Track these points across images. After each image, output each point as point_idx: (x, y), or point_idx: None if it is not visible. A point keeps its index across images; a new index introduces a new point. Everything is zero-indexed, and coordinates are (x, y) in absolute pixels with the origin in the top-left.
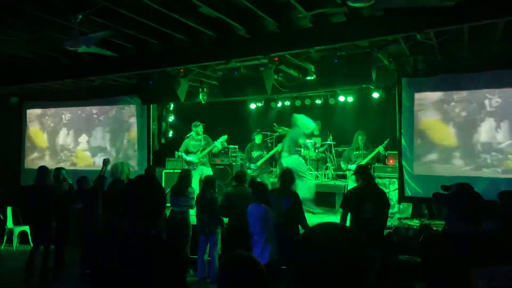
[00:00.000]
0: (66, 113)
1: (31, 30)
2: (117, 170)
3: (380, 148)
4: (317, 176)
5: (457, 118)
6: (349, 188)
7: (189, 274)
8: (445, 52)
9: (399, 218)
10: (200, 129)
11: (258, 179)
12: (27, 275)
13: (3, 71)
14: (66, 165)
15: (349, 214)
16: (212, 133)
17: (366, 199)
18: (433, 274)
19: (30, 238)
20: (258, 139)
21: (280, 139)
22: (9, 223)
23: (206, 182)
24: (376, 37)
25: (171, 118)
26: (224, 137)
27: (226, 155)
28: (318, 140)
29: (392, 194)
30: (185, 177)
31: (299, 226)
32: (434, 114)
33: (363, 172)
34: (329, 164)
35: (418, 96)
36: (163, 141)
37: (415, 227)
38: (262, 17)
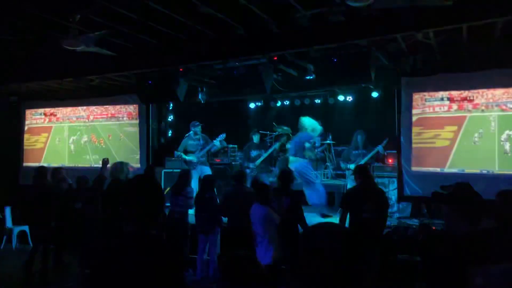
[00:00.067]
0: (65, 113)
1: (30, 29)
2: (116, 170)
3: (379, 148)
4: (316, 176)
5: (457, 117)
6: (348, 187)
7: (189, 273)
8: (444, 51)
9: (399, 218)
10: (198, 128)
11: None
12: (26, 275)
13: (2, 70)
14: (65, 165)
15: (348, 214)
16: (211, 132)
17: (365, 198)
18: (432, 273)
19: (29, 238)
20: (256, 138)
21: (279, 138)
22: (8, 223)
23: (205, 182)
24: (375, 37)
25: (170, 118)
26: (223, 135)
27: (226, 154)
28: (317, 140)
29: (392, 193)
30: (184, 176)
31: (299, 225)
32: (433, 113)
33: (362, 172)
34: (328, 164)
35: (417, 95)
36: (162, 140)
37: (414, 226)
38: (261, 17)
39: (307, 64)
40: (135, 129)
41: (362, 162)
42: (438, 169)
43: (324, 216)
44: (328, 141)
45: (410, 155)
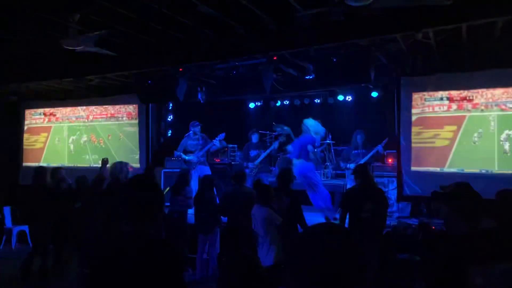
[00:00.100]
0: (65, 113)
1: (29, 29)
2: (116, 170)
3: (379, 147)
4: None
5: (456, 117)
6: (348, 187)
7: (188, 273)
8: (444, 51)
9: (398, 217)
10: (198, 128)
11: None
12: (26, 275)
13: (1, 70)
14: (65, 165)
15: (348, 214)
16: (211, 132)
17: (365, 198)
18: (432, 272)
19: (29, 238)
20: (254, 138)
21: (278, 138)
22: (8, 223)
23: (204, 182)
24: (375, 36)
25: (170, 118)
26: (222, 135)
27: (225, 154)
28: (316, 139)
29: (391, 193)
30: (183, 176)
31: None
32: (433, 113)
33: (362, 171)
34: (328, 164)
35: (416, 95)
36: (162, 140)
37: (414, 226)
38: (260, 16)
39: (306, 64)
40: (135, 129)
41: (362, 162)
42: (437, 169)
43: (328, 220)
44: (327, 141)
45: (410, 154)
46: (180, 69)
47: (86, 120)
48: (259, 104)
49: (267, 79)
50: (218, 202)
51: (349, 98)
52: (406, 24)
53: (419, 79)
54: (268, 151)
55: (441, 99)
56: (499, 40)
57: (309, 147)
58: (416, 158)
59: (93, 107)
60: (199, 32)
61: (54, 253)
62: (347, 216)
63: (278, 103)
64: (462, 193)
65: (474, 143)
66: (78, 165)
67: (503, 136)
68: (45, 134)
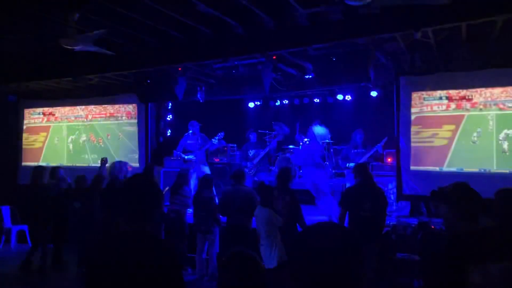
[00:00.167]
0: (64, 112)
1: (27, 28)
2: (115, 169)
3: (378, 147)
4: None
5: (455, 116)
6: (347, 186)
7: (188, 272)
8: (443, 50)
9: (398, 217)
10: (197, 128)
11: (255, 178)
12: (23, 274)
13: (0, 69)
14: (64, 164)
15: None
16: (210, 131)
17: (364, 197)
18: (430, 271)
19: (28, 237)
20: (253, 137)
21: (276, 137)
22: (7, 223)
23: (203, 181)
24: (374, 35)
25: (169, 117)
26: (221, 134)
27: (225, 153)
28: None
29: (391, 192)
30: (181, 176)
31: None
32: (431, 112)
33: (361, 171)
34: (327, 163)
35: (416, 94)
36: (161, 140)
37: (413, 225)
38: (259, 15)
39: (306, 63)
40: (134, 129)
41: (361, 161)
42: (436, 168)
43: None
44: (327, 140)
45: (409, 154)
46: (179, 69)
47: (85, 120)
48: (258, 103)
49: (266, 78)
50: (217, 201)
51: (348, 97)
52: (405, 23)
53: (418, 78)
54: (266, 150)
55: (440, 98)
56: (498, 40)
57: (316, 158)
58: (415, 157)
59: (92, 106)
60: (198, 31)
61: (54, 253)
62: (347, 215)
63: (278, 103)
64: (461, 193)
65: (473, 142)
66: (77, 164)
67: (501, 135)
68: (44, 134)
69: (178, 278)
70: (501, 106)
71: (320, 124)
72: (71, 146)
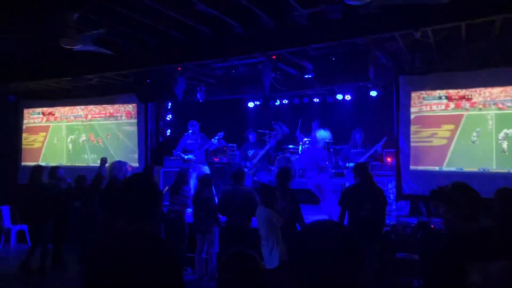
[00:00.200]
0: (63, 112)
1: (27, 28)
2: (114, 169)
3: (378, 146)
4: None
5: (454, 116)
6: (347, 186)
7: (187, 272)
8: (442, 50)
9: (397, 216)
10: (196, 127)
11: (255, 178)
12: (23, 274)
13: (0, 69)
14: (63, 164)
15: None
16: (210, 131)
17: (364, 197)
18: (430, 271)
19: (28, 237)
20: (252, 137)
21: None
22: (7, 222)
23: (202, 181)
24: (373, 35)
25: (169, 117)
26: (221, 134)
27: (224, 153)
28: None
29: (390, 192)
30: (181, 176)
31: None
32: (430, 111)
33: (361, 170)
34: (327, 163)
35: (415, 94)
36: (161, 139)
37: (412, 225)
38: (259, 15)
39: (305, 62)
40: (134, 128)
41: (361, 160)
42: (436, 168)
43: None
44: (327, 140)
45: (409, 153)
46: (179, 68)
47: (85, 120)
48: (258, 103)
49: (266, 78)
50: (217, 201)
51: (348, 97)
52: (404, 22)
53: (418, 78)
54: (265, 149)
55: (440, 98)
56: (497, 39)
57: (320, 163)
58: (414, 157)
59: (92, 106)
60: (198, 31)
61: (54, 252)
62: (346, 215)
63: (277, 102)
64: (460, 193)
65: (473, 142)
66: (77, 164)
67: (501, 135)
68: (44, 134)
69: (177, 278)
70: (501, 105)
71: (323, 128)
72: (70, 146)
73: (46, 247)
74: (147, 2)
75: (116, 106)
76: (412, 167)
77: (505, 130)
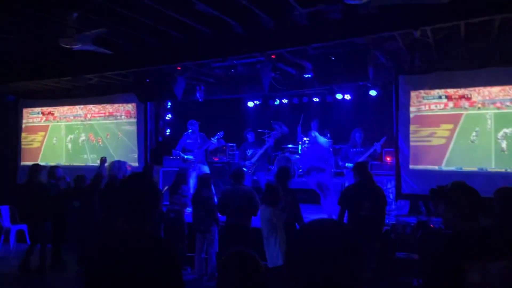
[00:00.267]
0: (63, 111)
1: (27, 28)
2: (114, 169)
3: (377, 146)
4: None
5: (453, 115)
6: (346, 185)
7: (187, 272)
8: (442, 49)
9: (397, 216)
10: (196, 127)
11: (255, 177)
12: (23, 274)
13: (0, 69)
14: (63, 164)
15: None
16: (209, 131)
17: (364, 196)
18: (430, 270)
19: (27, 237)
20: (250, 137)
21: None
22: (6, 222)
23: (201, 180)
24: (373, 34)
25: (168, 116)
26: (220, 133)
27: (224, 153)
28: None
29: (390, 191)
30: (180, 175)
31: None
32: (429, 111)
33: (361, 170)
34: (328, 161)
35: (414, 93)
36: (160, 139)
37: (412, 224)
38: (259, 15)
39: (305, 62)
40: (133, 128)
41: (360, 160)
42: (435, 167)
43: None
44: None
45: (408, 153)
46: (179, 68)
47: (84, 119)
48: (257, 102)
49: (266, 77)
50: (216, 201)
51: (347, 96)
52: (404, 22)
53: (417, 77)
54: (263, 148)
55: (439, 97)
56: (496, 39)
57: (322, 165)
58: (414, 156)
59: (91, 106)
60: (198, 31)
61: (53, 252)
62: (346, 214)
63: (277, 102)
64: (460, 192)
65: (472, 141)
66: (76, 164)
67: (500, 134)
68: (43, 133)
69: (177, 278)
70: (499, 105)
71: (322, 129)
72: (69, 145)
73: (45, 247)
74: (147, 2)
75: (116, 105)
76: (411, 167)
77: (504, 130)
